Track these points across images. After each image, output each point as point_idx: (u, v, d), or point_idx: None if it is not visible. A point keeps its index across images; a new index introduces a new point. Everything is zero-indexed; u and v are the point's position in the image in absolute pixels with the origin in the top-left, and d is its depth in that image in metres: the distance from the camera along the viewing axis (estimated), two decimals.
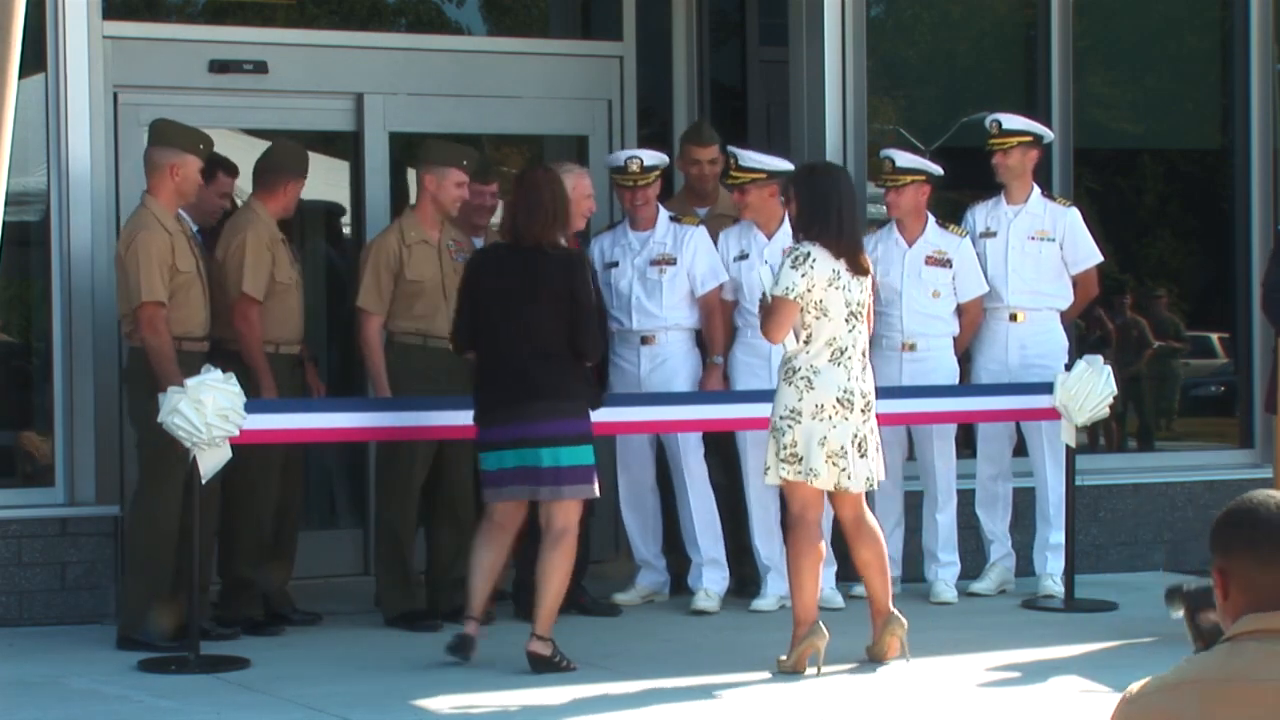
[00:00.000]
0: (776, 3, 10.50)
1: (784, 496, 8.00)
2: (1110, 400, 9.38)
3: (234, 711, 7.21)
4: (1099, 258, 9.83)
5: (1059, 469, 9.61)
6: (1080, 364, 9.38)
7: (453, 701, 7.38)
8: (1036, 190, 9.82)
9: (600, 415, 9.10)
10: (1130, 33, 11.29)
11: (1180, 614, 3.36)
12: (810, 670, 7.74)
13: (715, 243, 9.44)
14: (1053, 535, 9.69)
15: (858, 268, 7.81)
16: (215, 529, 8.56)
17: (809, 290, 7.69)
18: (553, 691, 7.47)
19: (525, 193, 7.93)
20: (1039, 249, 9.71)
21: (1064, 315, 9.83)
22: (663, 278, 9.30)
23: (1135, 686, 3.14)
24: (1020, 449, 9.88)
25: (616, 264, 9.41)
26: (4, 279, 9.33)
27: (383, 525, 9.00)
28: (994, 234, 9.73)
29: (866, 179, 10.03)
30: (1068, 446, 9.42)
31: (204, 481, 7.88)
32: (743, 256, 9.35)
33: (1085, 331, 10.80)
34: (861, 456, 7.74)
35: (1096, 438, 10.86)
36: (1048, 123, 10.36)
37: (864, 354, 7.83)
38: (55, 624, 8.87)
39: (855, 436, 7.71)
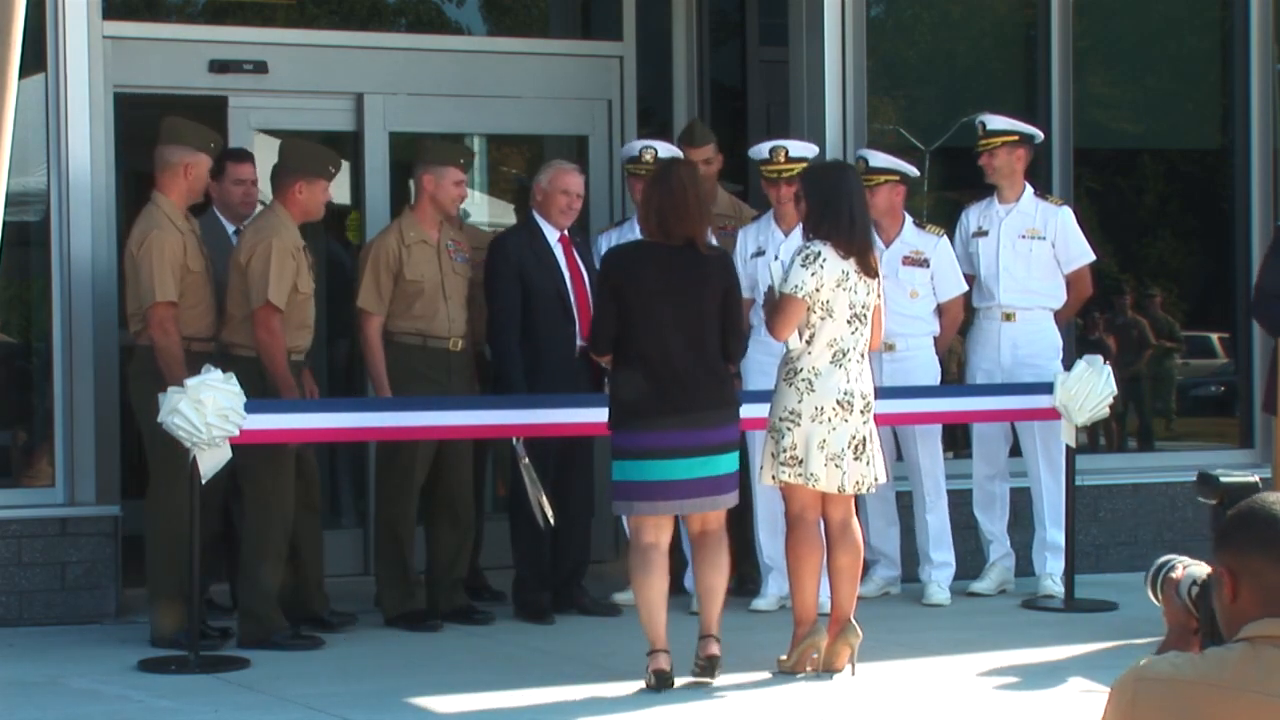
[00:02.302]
0: (776, 3, 10.50)
1: (783, 498, 7.97)
2: (1110, 400, 9.39)
3: (234, 711, 7.21)
4: (1091, 256, 9.84)
5: (1053, 469, 9.63)
6: (1080, 364, 9.39)
7: (453, 701, 7.38)
8: (1029, 189, 9.83)
9: (602, 415, 9.11)
10: (1130, 33, 11.29)
11: (1213, 503, 3.36)
12: (810, 670, 7.74)
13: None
14: (1050, 535, 9.70)
15: (867, 268, 7.78)
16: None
17: (817, 290, 7.67)
18: (552, 691, 7.47)
19: (670, 191, 7.62)
20: (1030, 248, 9.72)
21: (1058, 315, 9.83)
22: None
23: (1149, 661, 3.13)
24: (1017, 449, 9.89)
25: None
26: (4, 279, 9.33)
27: (383, 525, 9.00)
28: (986, 233, 9.74)
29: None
30: (1067, 447, 9.43)
31: (204, 481, 7.89)
32: (759, 253, 9.37)
33: (1084, 331, 10.81)
34: (857, 459, 7.72)
35: (1096, 438, 10.85)
36: (1047, 122, 10.37)
37: (863, 355, 7.82)
38: (55, 624, 8.87)
39: (853, 439, 7.70)
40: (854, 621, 7.79)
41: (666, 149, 9.48)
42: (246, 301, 8.48)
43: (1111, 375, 9.38)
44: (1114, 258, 11.06)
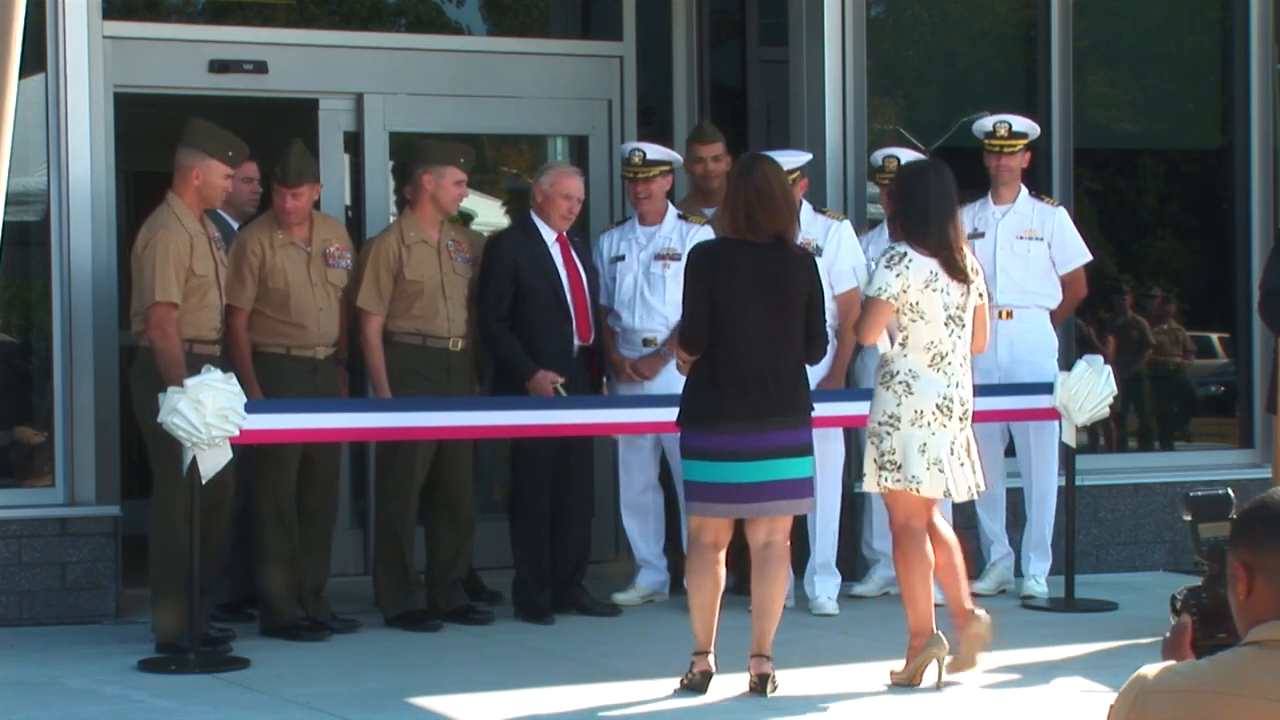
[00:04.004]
0: (776, 3, 10.50)
1: (886, 506, 7.76)
2: (1110, 400, 9.40)
3: (234, 711, 7.21)
4: (1088, 257, 9.84)
5: (1046, 469, 9.65)
6: (1080, 364, 9.40)
7: (453, 701, 7.38)
8: (1024, 190, 9.84)
9: (602, 415, 9.11)
10: (1130, 33, 11.29)
11: (1188, 519, 3.43)
12: (929, 682, 7.57)
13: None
14: (1037, 535, 9.72)
15: (953, 270, 7.56)
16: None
17: (903, 291, 7.50)
18: (552, 691, 7.47)
19: (755, 186, 7.40)
20: (1027, 249, 9.73)
21: (1054, 315, 9.83)
22: (666, 273, 9.30)
23: (1151, 671, 3.11)
24: (1012, 449, 9.91)
25: (622, 258, 9.45)
26: (4, 279, 9.33)
27: (382, 525, 9.00)
28: (982, 234, 9.73)
29: (867, 179, 10.02)
30: (1068, 446, 9.43)
31: (204, 482, 7.88)
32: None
33: (1087, 331, 10.81)
34: (960, 465, 7.56)
35: (1096, 438, 10.84)
36: (1047, 122, 10.38)
37: (964, 358, 7.64)
38: (55, 624, 8.87)
39: (953, 444, 7.54)
40: (978, 614, 7.61)
41: (656, 151, 9.48)
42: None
43: (1112, 375, 9.38)
44: (1114, 258, 11.06)
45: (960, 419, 7.58)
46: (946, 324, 7.55)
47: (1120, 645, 8.37)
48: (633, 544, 9.61)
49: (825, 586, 9.31)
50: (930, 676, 7.56)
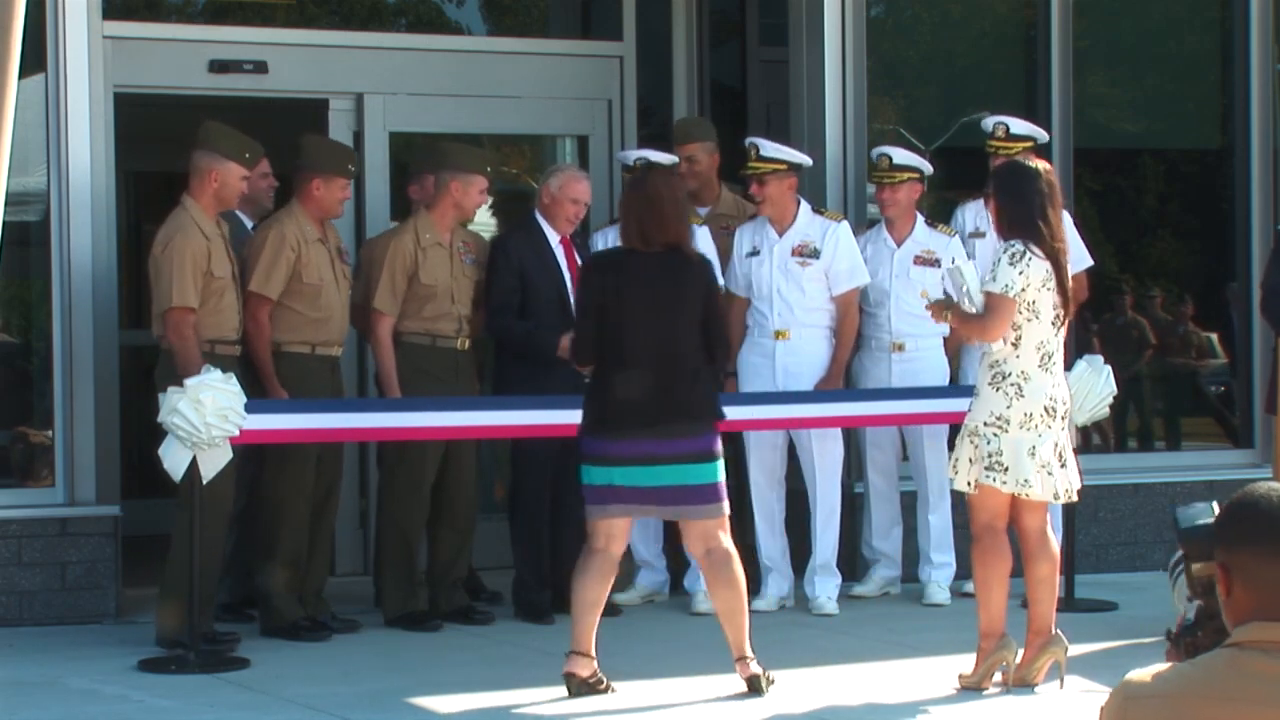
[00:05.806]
0: (776, 3, 10.50)
1: (970, 505, 7.62)
2: (1110, 400, 9.39)
3: (233, 711, 7.21)
4: (1089, 261, 9.79)
5: None
6: (1080, 364, 9.38)
7: (453, 701, 7.38)
8: None
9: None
10: (1130, 33, 11.29)
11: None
12: (996, 686, 7.54)
13: (717, 242, 9.44)
14: None
15: (1059, 270, 7.47)
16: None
17: (1024, 290, 7.40)
18: (552, 691, 7.47)
19: (646, 199, 7.52)
20: None
21: None
22: None
23: (1135, 678, 3.10)
24: None
25: None
26: (4, 279, 9.33)
27: (389, 525, 8.98)
28: (983, 234, 9.71)
29: (867, 179, 10.01)
30: None
31: (205, 482, 7.88)
32: (754, 253, 9.38)
33: (1097, 331, 10.81)
34: (1062, 466, 7.48)
35: (1090, 438, 10.83)
36: (1048, 122, 10.37)
37: (1060, 359, 7.57)
38: (55, 624, 8.87)
39: (1057, 445, 7.46)
40: (1059, 632, 7.56)
41: (659, 158, 9.48)
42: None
43: (1111, 375, 9.37)
44: (1114, 258, 11.05)
45: (1062, 418, 7.49)
46: (1054, 324, 7.48)
47: (1120, 645, 8.37)
48: (632, 544, 9.59)
49: (825, 586, 9.30)
50: (998, 679, 7.54)
